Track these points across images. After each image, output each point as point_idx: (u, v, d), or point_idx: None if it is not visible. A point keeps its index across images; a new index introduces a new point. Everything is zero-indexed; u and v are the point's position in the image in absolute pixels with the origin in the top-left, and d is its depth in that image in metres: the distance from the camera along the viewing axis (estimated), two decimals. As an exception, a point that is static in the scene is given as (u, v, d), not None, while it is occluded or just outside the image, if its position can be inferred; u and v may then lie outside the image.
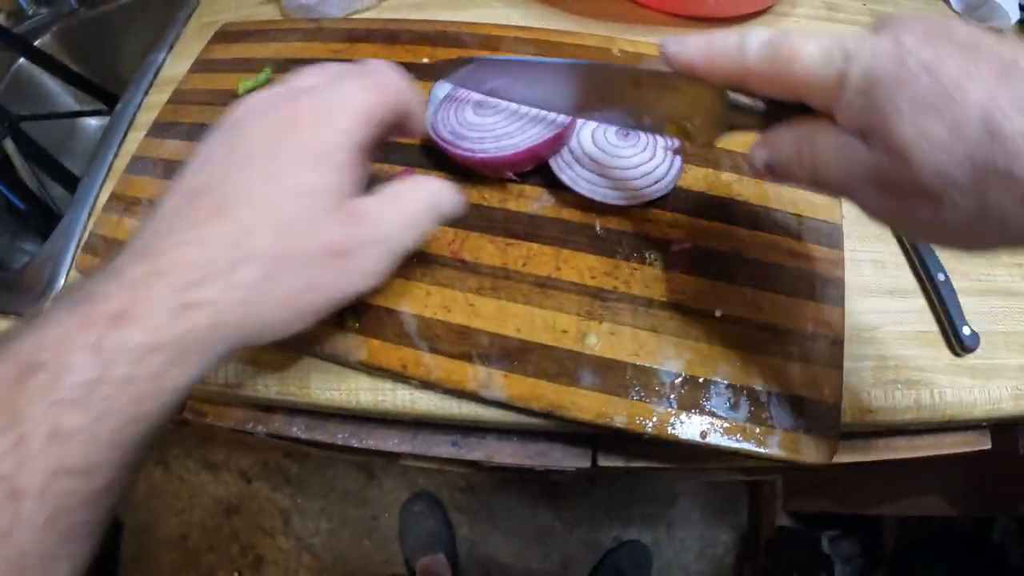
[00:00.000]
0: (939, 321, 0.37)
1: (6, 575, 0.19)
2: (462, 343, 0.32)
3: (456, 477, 1.14)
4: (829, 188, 0.23)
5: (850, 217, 0.39)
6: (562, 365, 0.31)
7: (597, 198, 0.35)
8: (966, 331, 0.35)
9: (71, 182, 0.61)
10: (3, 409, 0.19)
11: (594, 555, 1.09)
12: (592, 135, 0.36)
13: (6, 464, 0.18)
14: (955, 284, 0.37)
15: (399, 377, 0.33)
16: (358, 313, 0.33)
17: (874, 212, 0.22)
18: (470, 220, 0.36)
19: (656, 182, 0.35)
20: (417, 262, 0.34)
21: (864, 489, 0.76)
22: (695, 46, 0.24)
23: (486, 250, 0.35)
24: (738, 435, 0.30)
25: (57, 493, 0.19)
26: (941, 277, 0.37)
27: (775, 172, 0.24)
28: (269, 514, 1.18)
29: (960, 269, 0.38)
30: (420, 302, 0.33)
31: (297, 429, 0.42)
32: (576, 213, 0.36)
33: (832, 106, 0.21)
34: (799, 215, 0.36)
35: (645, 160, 0.35)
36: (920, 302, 0.37)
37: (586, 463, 0.39)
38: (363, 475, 1.19)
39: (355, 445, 0.41)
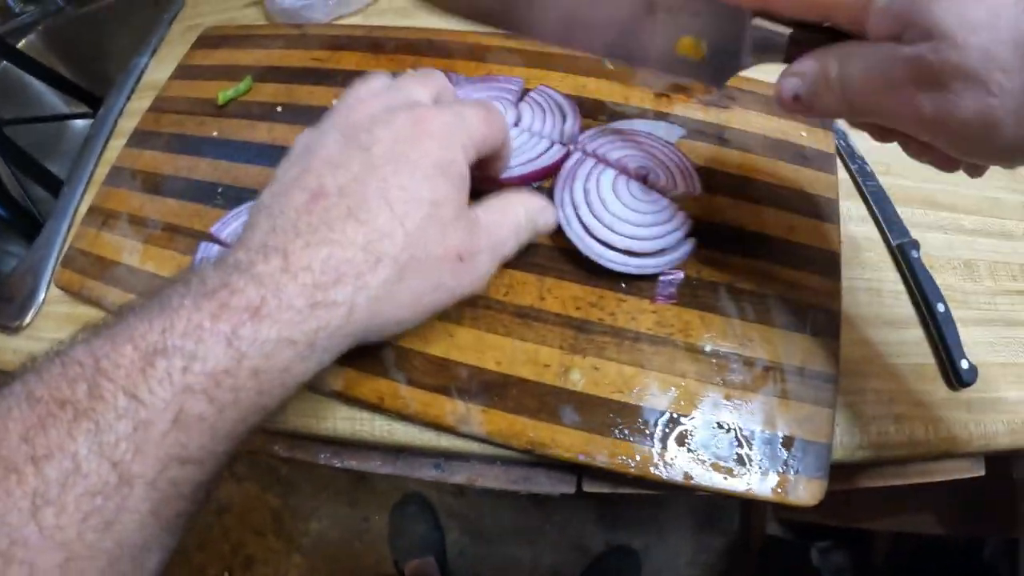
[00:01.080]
0: (937, 354, 0.35)
1: (103, 566, 0.18)
2: (440, 375, 0.31)
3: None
4: (861, 107, 0.22)
5: (849, 243, 0.38)
6: (543, 401, 0.30)
7: (587, 253, 0.32)
8: (964, 365, 0.34)
9: (56, 186, 0.59)
10: (124, 392, 0.18)
11: (584, 559, 1.09)
12: (613, 183, 0.34)
13: (122, 449, 0.18)
14: (954, 313, 0.35)
15: (376, 409, 0.32)
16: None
17: (916, 119, 0.21)
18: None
19: (660, 250, 0.32)
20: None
21: (856, 505, 0.75)
22: None
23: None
24: (724, 476, 0.29)
25: (167, 482, 0.19)
26: (941, 308, 0.35)
27: (802, 103, 0.24)
28: (259, 513, 1.18)
29: (959, 298, 0.37)
30: (398, 331, 0.32)
31: (279, 448, 0.41)
32: (562, 239, 0.34)
33: (862, 17, 0.21)
34: (794, 242, 0.35)
35: (660, 221, 0.33)
36: (918, 333, 0.36)
37: (571, 489, 0.38)
38: (354, 476, 1.19)
39: (337, 465, 0.40)
